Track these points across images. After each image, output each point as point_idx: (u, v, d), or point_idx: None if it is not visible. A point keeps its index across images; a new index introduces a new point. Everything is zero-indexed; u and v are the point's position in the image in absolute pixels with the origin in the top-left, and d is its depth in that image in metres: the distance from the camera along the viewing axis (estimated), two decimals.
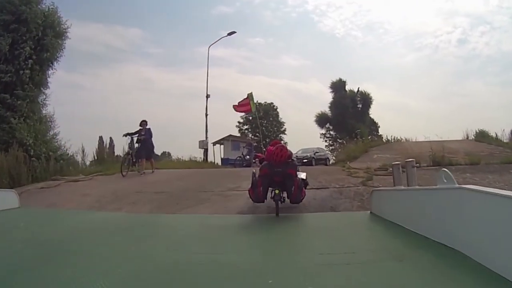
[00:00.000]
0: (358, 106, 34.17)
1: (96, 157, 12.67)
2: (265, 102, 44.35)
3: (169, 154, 26.31)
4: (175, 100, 67.44)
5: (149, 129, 10.44)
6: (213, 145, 25.95)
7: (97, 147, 13.38)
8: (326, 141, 50.85)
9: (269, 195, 5.11)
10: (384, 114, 52.03)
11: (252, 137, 44.58)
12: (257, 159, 8.41)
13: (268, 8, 69.43)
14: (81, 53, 67.00)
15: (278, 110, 44.16)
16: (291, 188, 4.84)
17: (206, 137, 21.58)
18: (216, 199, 6.75)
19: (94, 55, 64.70)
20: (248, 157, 18.16)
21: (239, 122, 44.85)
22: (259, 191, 4.91)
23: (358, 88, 34.28)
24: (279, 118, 43.82)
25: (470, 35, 65.74)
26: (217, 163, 23.02)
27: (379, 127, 37.36)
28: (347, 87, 34.33)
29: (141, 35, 66.11)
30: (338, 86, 34.66)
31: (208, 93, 22.30)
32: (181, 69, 72.90)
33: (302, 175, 5.52)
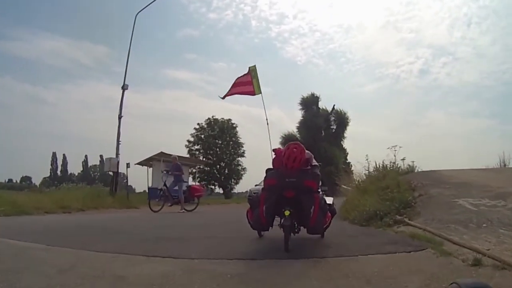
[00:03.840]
0: (332, 127, 28.33)
1: None
2: (222, 119, 37.41)
3: None
4: (135, 120, 68.71)
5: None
6: (142, 166, 18.28)
7: None
8: None
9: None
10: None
11: (204, 159, 37.09)
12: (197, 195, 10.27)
13: (231, 32, 72.67)
14: (48, 67, 70.67)
15: (237, 128, 37.19)
16: (309, 208, 3.01)
17: (117, 154, 13.78)
18: None
19: (60, 69, 70.10)
20: (175, 187, 10.57)
21: (188, 141, 37.19)
22: (261, 213, 3.15)
23: (334, 106, 28.68)
24: (238, 139, 36.82)
25: (432, 65, 66.87)
26: (145, 191, 15.48)
27: (347, 153, 32.12)
28: (321, 105, 28.64)
29: (107, 53, 69.28)
30: (309, 103, 28.87)
31: (125, 84, 14.96)
32: (143, 89, 75.05)
33: (328, 199, 3.61)
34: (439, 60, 66.36)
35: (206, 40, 72.02)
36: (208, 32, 72.12)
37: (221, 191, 37.02)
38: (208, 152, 36.70)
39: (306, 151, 3.32)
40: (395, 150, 7.05)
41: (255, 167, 54.82)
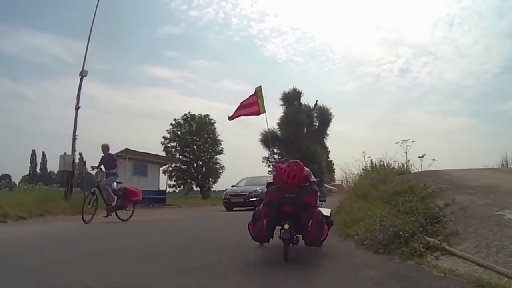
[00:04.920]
0: (315, 123, 27.15)
1: None
2: (199, 114, 35.52)
3: None
4: (115, 117, 68.13)
5: None
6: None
7: None
8: (269, 165, 43.84)
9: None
10: None
11: (181, 157, 35.11)
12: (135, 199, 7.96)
13: (212, 30, 72.51)
14: (29, 63, 66.91)
15: (215, 125, 35.42)
16: (307, 222, 3.26)
17: (73, 150, 11.91)
18: None
19: (41, 66, 65.95)
20: (116, 186, 8.17)
21: (164, 138, 35.06)
22: (262, 225, 3.37)
23: (316, 101, 27.46)
24: (216, 135, 35.06)
25: (412, 64, 67.79)
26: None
27: (329, 151, 31.18)
28: (303, 100, 27.35)
29: (89, 49, 61.33)
30: (291, 98, 27.49)
31: (84, 70, 13.12)
32: (123, 87, 74.36)
33: (326, 211, 3.85)
34: (420, 59, 67.45)
35: (187, 37, 71.69)
36: (189, 30, 71.28)
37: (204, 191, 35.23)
38: (185, 149, 34.76)
39: (305, 168, 3.54)
40: (407, 146, 5.63)
41: (234, 165, 53.87)
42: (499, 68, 62.19)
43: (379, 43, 69.14)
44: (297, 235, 3.43)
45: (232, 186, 13.33)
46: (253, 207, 11.72)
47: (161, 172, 16.69)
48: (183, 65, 75.25)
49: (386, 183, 6.14)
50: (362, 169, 8.06)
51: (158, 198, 15.47)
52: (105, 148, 8.07)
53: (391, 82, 66.68)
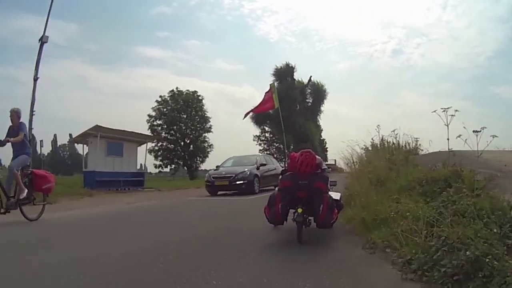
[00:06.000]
0: (308, 100, 25.68)
1: None
2: (187, 91, 33.46)
3: None
4: (108, 98, 69.10)
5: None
6: (78, 144, 14.70)
7: None
8: (260, 144, 42.43)
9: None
10: None
11: (167, 136, 33.33)
12: (46, 188, 5.60)
13: (203, 10, 71.89)
14: (19, 46, 66.21)
15: (203, 101, 33.52)
16: (319, 206, 3.54)
17: (30, 128, 10.18)
18: None
19: (31, 49, 56.95)
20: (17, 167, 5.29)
21: (149, 116, 33.09)
22: (277, 209, 3.68)
23: (310, 77, 25.84)
24: (204, 113, 33.23)
25: (405, 46, 66.23)
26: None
27: (322, 130, 29.85)
28: (296, 76, 25.73)
29: (79, 31, 67.03)
30: (283, 74, 25.82)
31: (45, 35, 11.37)
32: (116, 67, 75.95)
33: (336, 195, 4.13)
34: (413, 40, 65.96)
35: (179, 17, 72.45)
36: (181, 9, 71.73)
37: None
38: (171, 127, 32.92)
39: (317, 156, 3.85)
40: (451, 115, 3.84)
41: (225, 145, 52.59)
42: (492, 51, 61.16)
43: (372, 24, 67.36)
44: (309, 218, 3.63)
45: (217, 166, 11.80)
46: (240, 192, 10.06)
47: (139, 151, 14.98)
48: (175, 45, 76.45)
49: (408, 166, 4.75)
50: (368, 147, 6.71)
51: (135, 181, 13.86)
52: (14, 114, 5.40)
53: (384, 62, 65.46)
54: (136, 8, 70.64)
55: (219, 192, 10.35)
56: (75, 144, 14.86)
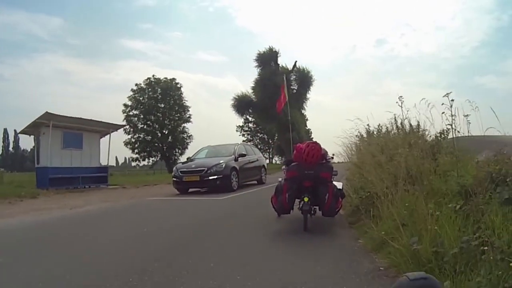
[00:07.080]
0: (293, 87, 24.20)
1: None
2: (165, 78, 31.41)
3: None
4: (91, 92, 68.96)
5: None
6: (29, 136, 12.88)
7: None
8: (243, 135, 40.89)
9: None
10: None
11: (144, 126, 31.29)
12: None
13: (185, 1, 73.08)
14: (2, 41, 65.29)
15: (182, 89, 31.60)
16: (324, 196, 3.81)
17: None
18: None
19: (15, 44, 65.36)
20: None
21: (125, 106, 30.96)
22: (284, 199, 3.93)
23: (295, 62, 24.34)
24: (183, 101, 31.35)
25: (389, 35, 65.76)
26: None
27: (307, 119, 28.61)
28: (280, 62, 24.16)
29: (62, 25, 66.17)
30: (266, 59, 24.20)
31: None
32: (98, 61, 75.09)
33: (338, 184, 4.37)
34: (398, 30, 65.60)
35: (161, 9, 72.82)
36: (163, 1, 72.01)
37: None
38: (148, 117, 30.90)
39: (322, 147, 4.02)
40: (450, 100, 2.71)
41: (207, 136, 50.94)
42: (477, 42, 61.20)
43: (355, 13, 66.78)
44: (315, 207, 3.89)
45: (188, 158, 10.18)
46: (214, 189, 8.19)
47: (102, 143, 13.21)
48: (157, 37, 76.82)
49: (442, 155, 3.42)
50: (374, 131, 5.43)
51: (97, 177, 12.12)
52: None
53: (367, 52, 65.16)
54: (119, 1, 71.03)
55: (190, 189, 8.83)
56: (31, 136, 12.94)
